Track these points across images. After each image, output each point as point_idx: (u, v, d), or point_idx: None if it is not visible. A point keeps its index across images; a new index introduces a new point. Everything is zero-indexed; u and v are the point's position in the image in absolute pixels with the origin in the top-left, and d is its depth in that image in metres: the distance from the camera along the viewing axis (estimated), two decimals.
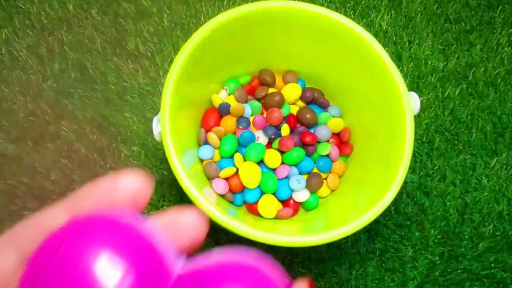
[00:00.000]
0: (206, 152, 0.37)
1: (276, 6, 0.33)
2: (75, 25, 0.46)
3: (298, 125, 0.40)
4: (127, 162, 0.42)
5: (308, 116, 0.39)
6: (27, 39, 0.46)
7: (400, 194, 0.42)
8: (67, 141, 0.43)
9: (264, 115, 0.39)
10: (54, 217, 0.14)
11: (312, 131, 0.39)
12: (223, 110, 0.38)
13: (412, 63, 0.47)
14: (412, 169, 0.44)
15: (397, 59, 0.47)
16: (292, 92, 0.39)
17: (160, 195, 0.41)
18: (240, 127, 0.38)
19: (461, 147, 0.44)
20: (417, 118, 0.45)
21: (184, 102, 0.34)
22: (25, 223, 0.14)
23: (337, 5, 0.49)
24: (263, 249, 0.41)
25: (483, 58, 0.48)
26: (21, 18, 0.46)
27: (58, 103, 0.44)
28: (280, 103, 0.39)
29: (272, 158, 0.37)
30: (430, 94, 0.46)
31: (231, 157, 0.37)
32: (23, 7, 0.47)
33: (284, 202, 0.38)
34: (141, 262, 0.12)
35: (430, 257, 0.41)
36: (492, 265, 0.41)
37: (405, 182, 0.43)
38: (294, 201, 0.38)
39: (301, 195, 0.37)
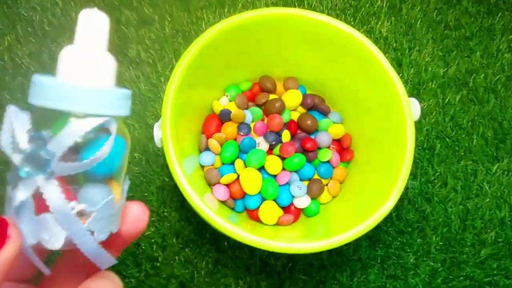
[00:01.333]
0: (207, 158, 0.37)
1: (276, 13, 0.33)
2: None
3: (298, 131, 0.40)
4: (128, 169, 0.42)
5: (308, 122, 0.39)
6: (30, 46, 0.46)
7: (401, 200, 0.42)
8: None
9: (265, 121, 0.40)
10: None
11: (312, 137, 0.39)
12: (224, 117, 0.38)
13: (412, 69, 0.47)
14: (413, 175, 0.43)
15: (398, 65, 0.47)
16: (292, 98, 0.40)
17: (161, 201, 0.41)
18: (241, 133, 0.38)
19: (462, 153, 0.44)
20: (418, 124, 0.45)
21: (185, 109, 0.34)
22: None
23: (337, 12, 0.49)
24: (264, 255, 0.41)
25: (483, 65, 0.48)
26: (24, 26, 0.47)
27: None
28: (281, 110, 0.39)
29: (273, 164, 0.37)
30: (431, 100, 0.46)
31: (232, 163, 0.37)
32: (26, 14, 0.47)
33: (285, 209, 0.38)
34: None
35: (432, 264, 0.41)
36: (495, 272, 0.41)
37: (406, 188, 0.43)
38: (295, 208, 0.38)
39: (302, 201, 0.37)
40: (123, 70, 0.45)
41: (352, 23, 0.48)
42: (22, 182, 0.16)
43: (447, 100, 0.46)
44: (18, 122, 0.16)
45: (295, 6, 0.49)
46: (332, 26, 0.33)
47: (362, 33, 0.34)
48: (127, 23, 0.47)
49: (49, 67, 0.45)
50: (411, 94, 0.46)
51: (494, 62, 0.48)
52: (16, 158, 0.16)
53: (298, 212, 0.38)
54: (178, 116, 0.32)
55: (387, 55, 0.47)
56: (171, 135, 0.30)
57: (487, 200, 0.43)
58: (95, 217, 0.16)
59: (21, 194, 0.16)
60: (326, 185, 0.39)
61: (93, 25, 0.17)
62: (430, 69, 0.47)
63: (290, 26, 0.34)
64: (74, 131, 0.16)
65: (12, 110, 0.16)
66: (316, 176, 0.39)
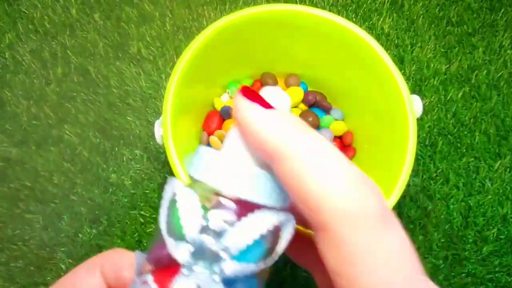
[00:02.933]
0: None
1: (277, 9, 0.33)
2: (78, 30, 0.47)
3: None
4: (129, 166, 0.42)
5: (310, 119, 0.39)
6: (31, 43, 0.46)
7: (403, 197, 0.42)
8: (70, 145, 0.43)
9: None
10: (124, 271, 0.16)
11: None
12: (225, 114, 0.38)
13: (414, 66, 0.47)
14: (415, 172, 0.43)
15: (400, 62, 0.47)
16: (294, 95, 0.39)
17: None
18: None
19: (464, 150, 0.44)
20: (420, 121, 0.45)
21: (186, 106, 0.34)
22: (112, 258, 0.16)
23: (339, 8, 0.49)
24: None
25: (486, 61, 0.48)
26: (25, 23, 0.47)
27: (61, 107, 0.44)
28: None
29: None
30: (433, 97, 0.46)
31: None
32: (26, 11, 0.47)
33: None
34: None
35: (433, 261, 0.41)
36: (497, 269, 0.41)
37: (408, 185, 0.42)
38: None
39: None
40: (124, 67, 0.45)
41: (354, 19, 0.48)
42: (181, 277, 0.13)
43: (449, 96, 0.46)
44: (188, 204, 0.13)
45: (296, 3, 0.49)
46: (334, 23, 0.33)
47: (364, 29, 0.34)
48: (127, 20, 0.47)
49: (50, 64, 0.45)
50: (413, 90, 0.46)
51: (496, 59, 0.48)
52: (178, 246, 0.13)
53: None
54: (179, 113, 0.32)
55: (389, 51, 0.47)
56: (172, 132, 0.30)
57: (489, 197, 0.43)
58: None
59: None
60: None
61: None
62: (432, 65, 0.47)
63: (291, 23, 0.34)
64: (257, 228, 0.13)
65: (178, 187, 0.14)
66: None
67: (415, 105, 0.32)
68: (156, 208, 0.41)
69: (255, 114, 0.13)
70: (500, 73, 0.47)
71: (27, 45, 0.46)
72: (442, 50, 0.48)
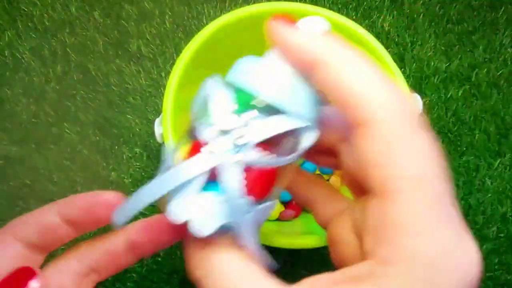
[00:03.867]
0: None
1: (278, 7, 0.33)
2: (77, 27, 0.47)
3: None
4: (129, 164, 0.42)
5: None
6: (30, 41, 0.46)
7: None
8: (70, 143, 0.43)
9: None
10: (48, 216, 0.18)
11: None
12: None
13: (414, 64, 0.47)
14: None
15: (400, 60, 0.47)
16: None
17: None
18: None
19: (464, 149, 0.44)
20: None
21: (186, 104, 0.34)
22: (24, 219, 0.17)
23: (339, 6, 0.49)
24: (265, 251, 0.41)
25: (486, 59, 0.47)
26: (24, 21, 0.46)
27: (61, 105, 0.44)
28: None
29: None
30: (433, 95, 0.46)
31: None
32: (26, 9, 0.47)
33: (286, 204, 0.38)
34: None
35: None
36: (496, 267, 0.41)
37: None
38: (296, 203, 0.38)
39: None
40: (124, 65, 0.45)
41: (354, 17, 0.48)
42: (202, 155, 0.14)
43: (449, 95, 0.46)
44: (219, 95, 0.15)
45: (296, 1, 0.49)
46: (334, 20, 0.33)
47: (364, 27, 0.34)
48: (127, 17, 0.47)
49: (49, 62, 0.45)
50: (413, 89, 0.46)
51: (497, 57, 0.48)
52: (204, 128, 0.15)
53: (300, 208, 0.38)
54: (179, 111, 0.32)
55: (389, 49, 0.47)
56: (172, 130, 0.30)
57: (489, 195, 0.43)
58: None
59: (198, 167, 0.14)
60: (328, 180, 0.39)
61: None
62: (432, 63, 0.47)
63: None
64: (280, 125, 0.15)
65: (212, 85, 0.16)
66: (317, 172, 0.39)
67: (415, 103, 0.32)
68: (156, 207, 0.41)
69: (295, 31, 0.15)
70: (500, 72, 0.47)
71: (27, 43, 0.46)
72: (443, 48, 0.48)
